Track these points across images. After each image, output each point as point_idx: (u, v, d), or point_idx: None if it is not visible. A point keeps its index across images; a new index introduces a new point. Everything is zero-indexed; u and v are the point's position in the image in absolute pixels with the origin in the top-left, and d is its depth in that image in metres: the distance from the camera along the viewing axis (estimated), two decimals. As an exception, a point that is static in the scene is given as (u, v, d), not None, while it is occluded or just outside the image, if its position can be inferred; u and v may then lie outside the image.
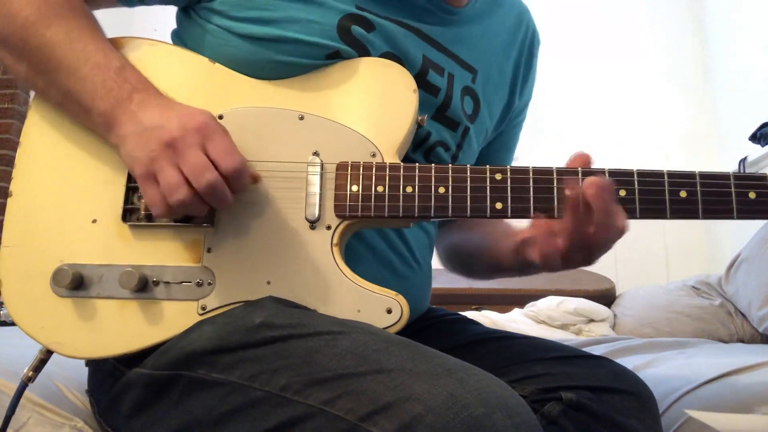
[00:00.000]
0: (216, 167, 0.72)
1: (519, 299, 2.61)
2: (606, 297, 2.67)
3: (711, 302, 2.19)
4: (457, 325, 1.04)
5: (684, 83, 3.40)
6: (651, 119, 3.37)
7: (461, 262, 1.09)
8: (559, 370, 0.87)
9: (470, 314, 2.13)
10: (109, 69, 0.77)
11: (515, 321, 2.34)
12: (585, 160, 0.79)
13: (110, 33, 0.90)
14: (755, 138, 2.56)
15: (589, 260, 0.80)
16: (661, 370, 1.30)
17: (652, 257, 3.21)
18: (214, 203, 0.73)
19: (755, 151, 2.67)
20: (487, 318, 2.30)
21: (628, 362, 1.24)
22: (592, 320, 2.37)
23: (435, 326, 1.02)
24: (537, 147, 3.34)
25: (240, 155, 0.73)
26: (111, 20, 0.95)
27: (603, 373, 0.87)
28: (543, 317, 2.38)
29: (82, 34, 0.79)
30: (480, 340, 0.97)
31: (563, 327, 2.34)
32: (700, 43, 3.41)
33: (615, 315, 2.47)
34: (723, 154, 3.16)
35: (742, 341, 2.05)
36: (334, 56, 0.84)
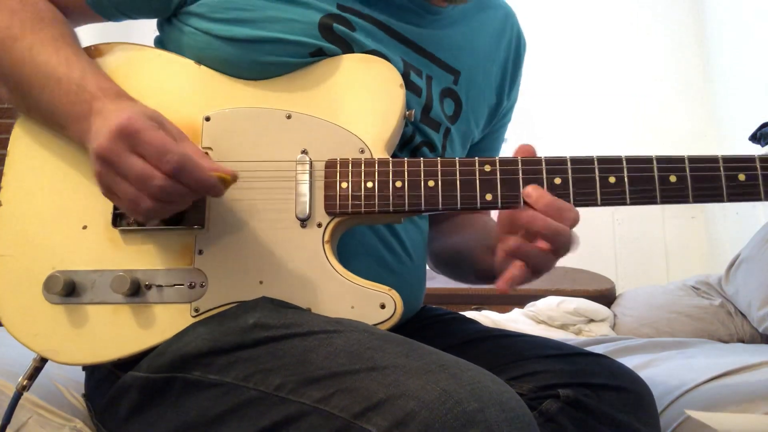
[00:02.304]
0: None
1: (519, 299, 2.60)
2: (606, 297, 2.67)
3: (711, 302, 2.18)
4: (455, 324, 1.04)
5: (684, 83, 3.40)
6: (651, 119, 3.37)
7: (450, 265, 1.10)
8: (557, 367, 0.87)
9: (470, 314, 2.13)
10: (71, 83, 0.76)
11: (515, 321, 2.34)
12: (528, 151, 0.79)
13: (111, 35, 0.90)
14: (755, 138, 2.56)
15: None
16: (661, 370, 1.30)
17: (652, 257, 3.20)
18: (180, 202, 0.72)
19: (755, 151, 2.67)
20: (487, 318, 2.30)
21: (628, 362, 1.23)
22: (592, 320, 2.37)
23: (433, 325, 1.02)
24: (536, 145, 3.34)
25: (177, 148, 0.67)
26: (112, 23, 0.96)
27: (601, 371, 0.87)
28: (543, 317, 2.37)
29: (46, 48, 0.78)
30: (478, 339, 0.97)
31: (563, 327, 2.34)
32: (700, 43, 3.41)
33: (615, 315, 2.47)
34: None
35: (742, 341, 2.05)
36: (318, 54, 0.84)
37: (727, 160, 0.77)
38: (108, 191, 0.72)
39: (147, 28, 1.01)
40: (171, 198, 0.69)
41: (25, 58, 0.77)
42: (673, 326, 2.19)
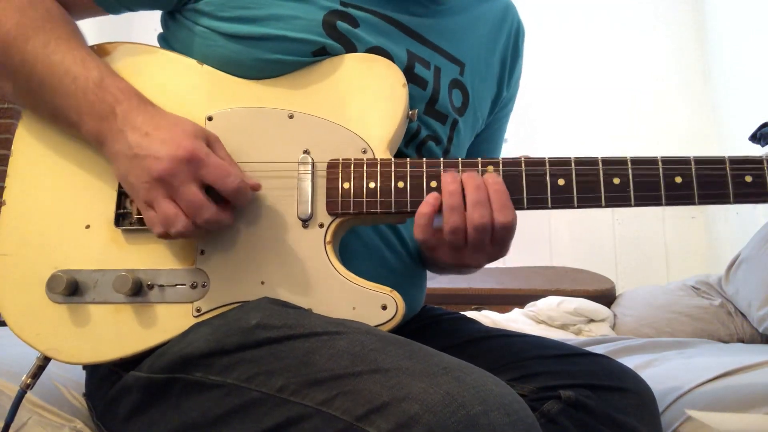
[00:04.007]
0: (217, 189, 0.73)
1: (519, 299, 2.60)
2: (606, 297, 2.67)
3: (711, 302, 2.18)
4: (456, 323, 1.04)
5: (684, 83, 3.40)
6: (651, 119, 3.37)
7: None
8: (558, 368, 0.87)
9: (470, 314, 2.12)
10: (89, 81, 0.76)
11: (515, 321, 2.33)
12: None
13: (112, 32, 0.90)
14: (755, 138, 2.55)
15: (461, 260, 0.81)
16: (661, 370, 1.30)
17: (652, 257, 3.20)
18: (213, 230, 0.75)
19: (755, 151, 2.67)
20: (487, 318, 2.30)
21: (628, 362, 1.23)
22: (592, 320, 2.37)
23: (434, 325, 1.02)
24: (536, 145, 3.35)
25: (237, 171, 0.74)
26: (112, 21, 0.95)
27: (602, 371, 0.87)
28: (543, 317, 2.37)
29: (60, 46, 0.78)
30: (479, 339, 0.97)
31: (563, 327, 2.34)
32: (700, 43, 3.41)
33: (615, 315, 2.47)
34: (723, 155, 3.14)
35: (742, 341, 2.05)
36: (321, 53, 0.84)
37: (734, 161, 0.77)
38: (144, 203, 0.74)
39: (148, 26, 1.01)
40: (210, 228, 0.73)
41: (39, 56, 0.77)
42: (673, 326, 2.19)
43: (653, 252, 3.21)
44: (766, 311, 1.91)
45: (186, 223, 0.72)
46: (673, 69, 3.42)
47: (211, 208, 0.72)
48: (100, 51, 0.85)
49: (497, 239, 0.78)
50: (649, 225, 3.22)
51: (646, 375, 0.93)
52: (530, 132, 3.22)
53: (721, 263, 2.39)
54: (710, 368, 1.16)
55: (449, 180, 0.77)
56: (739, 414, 1.00)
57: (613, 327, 2.40)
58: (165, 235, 0.73)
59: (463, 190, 0.77)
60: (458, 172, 0.78)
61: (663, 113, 3.37)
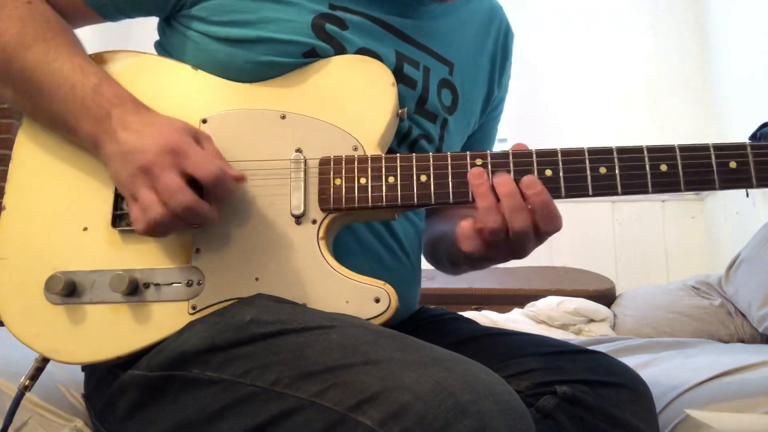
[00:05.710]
0: (196, 179, 0.73)
1: (519, 299, 2.60)
2: (606, 297, 2.66)
3: (711, 302, 2.18)
4: (453, 323, 1.04)
5: (684, 83, 3.40)
6: (651, 119, 3.38)
7: (430, 252, 1.09)
8: (554, 364, 0.87)
9: (470, 314, 2.13)
10: (86, 88, 0.78)
11: (515, 321, 2.34)
12: (521, 147, 0.80)
13: (111, 37, 0.91)
14: (755, 138, 2.55)
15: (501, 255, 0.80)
16: (661, 369, 1.30)
17: (652, 257, 3.20)
18: (194, 222, 0.75)
19: (755, 150, 2.66)
20: (487, 318, 2.30)
21: (628, 362, 1.23)
22: (592, 320, 2.37)
23: (431, 325, 1.03)
24: (536, 145, 3.34)
25: (217, 161, 0.74)
26: (112, 25, 0.96)
27: (598, 367, 0.87)
28: (543, 317, 2.37)
29: (60, 54, 0.80)
30: (475, 337, 0.97)
31: (563, 327, 2.34)
32: (701, 43, 3.41)
33: (615, 315, 2.47)
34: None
35: (742, 341, 2.04)
36: (311, 54, 0.86)
37: (718, 147, 0.77)
38: (129, 197, 0.75)
39: (144, 34, 1.01)
40: (188, 215, 0.73)
41: (39, 64, 0.79)
42: (673, 326, 2.19)
43: (653, 252, 3.21)
44: (766, 311, 1.90)
45: (160, 210, 0.72)
46: (673, 69, 3.42)
47: (188, 194, 0.72)
48: (98, 60, 0.87)
49: (541, 239, 0.79)
50: (649, 225, 3.22)
51: (645, 374, 0.93)
52: (529, 132, 3.22)
53: (721, 263, 2.39)
54: (710, 368, 1.16)
55: (479, 181, 0.76)
56: (737, 414, 1.00)
57: (613, 327, 2.40)
58: (147, 230, 0.73)
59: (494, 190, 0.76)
60: (488, 170, 0.78)
61: (663, 113, 3.37)
